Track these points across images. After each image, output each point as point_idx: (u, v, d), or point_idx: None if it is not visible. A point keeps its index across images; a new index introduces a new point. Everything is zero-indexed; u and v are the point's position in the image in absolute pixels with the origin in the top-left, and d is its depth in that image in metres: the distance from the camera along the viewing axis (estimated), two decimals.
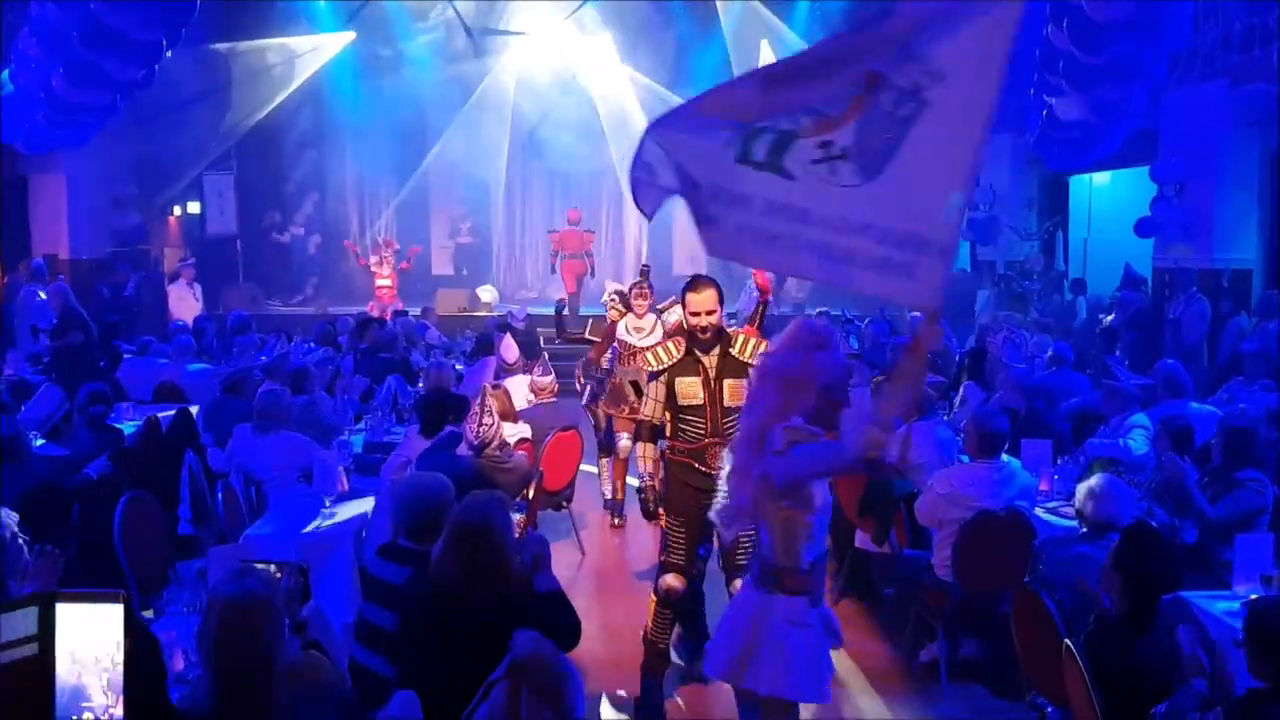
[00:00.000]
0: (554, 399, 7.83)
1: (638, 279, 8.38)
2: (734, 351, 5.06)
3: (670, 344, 5.17)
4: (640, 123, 18.63)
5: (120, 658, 2.45)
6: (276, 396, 6.60)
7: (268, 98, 17.77)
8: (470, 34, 18.20)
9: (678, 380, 5.05)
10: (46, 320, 11.14)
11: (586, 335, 8.81)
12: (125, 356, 10.06)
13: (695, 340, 5.07)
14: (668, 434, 5.18)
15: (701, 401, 5.02)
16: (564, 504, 7.71)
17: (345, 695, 2.41)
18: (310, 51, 17.96)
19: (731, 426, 4.77)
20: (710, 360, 5.04)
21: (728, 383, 5.01)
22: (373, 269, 16.66)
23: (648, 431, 5.30)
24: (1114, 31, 9.71)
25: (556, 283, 18.89)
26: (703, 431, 5.04)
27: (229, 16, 16.88)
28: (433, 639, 3.34)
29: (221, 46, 17.17)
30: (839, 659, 5.80)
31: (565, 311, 9.59)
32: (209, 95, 17.17)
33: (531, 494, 6.38)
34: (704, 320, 5.01)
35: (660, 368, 5.10)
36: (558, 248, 16.97)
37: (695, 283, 5.08)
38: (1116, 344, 10.65)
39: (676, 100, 18.18)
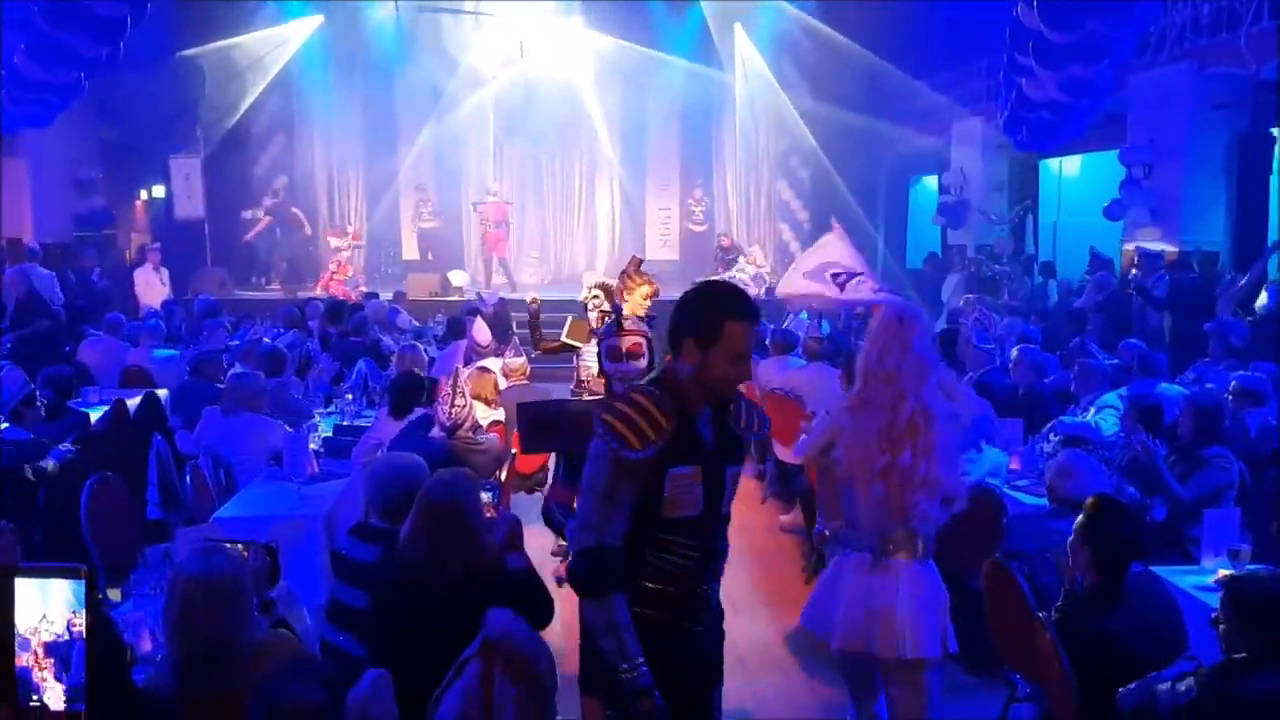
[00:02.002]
0: (525, 381, 7.79)
1: (628, 270, 6.85)
2: (731, 421, 3.03)
3: (654, 408, 2.82)
4: (614, 104, 18.66)
5: (79, 637, 2.41)
6: (246, 379, 6.55)
7: (239, 99, 17.66)
8: (397, 4, 18.06)
9: (671, 475, 2.84)
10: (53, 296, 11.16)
11: (565, 340, 6.91)
12: (89, 337, 9.95)
13: (698, 403, 2.92)
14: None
15: (700, 511, 2.89)
16: (537, 487, 7.68)
17: (315, 670, 2.39)
18: (278, 47, 17.81)
19: (725, 554, 3.04)
20: (708, 438, 2.96)
21: (730, 475, 3.01)
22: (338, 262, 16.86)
23: (609, 567, 2.80)
24: (1084, 10, 9.76)
25: (527, 267, 18.93)
26: (695, 561, 2.92)
27: (196, 21, 16.70)
28: (404, 617, 3.32)
29: (190, 53, 16.97)
30: (811, 636, 5.82)
31: (539, 311, 7.68)
32: (182, 108, 17.00)
33: (504, 476, 6.35)
34: (743, 370, 2.92)
35: (644, 451, 2.78)
36: (486, 219, 17.46)
37: (738, 304, 2.89)
38: (1086, 325, 10.72)
39: (660, 57, 18.19)
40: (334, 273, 16.72)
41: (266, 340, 9.06)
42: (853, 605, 3.74)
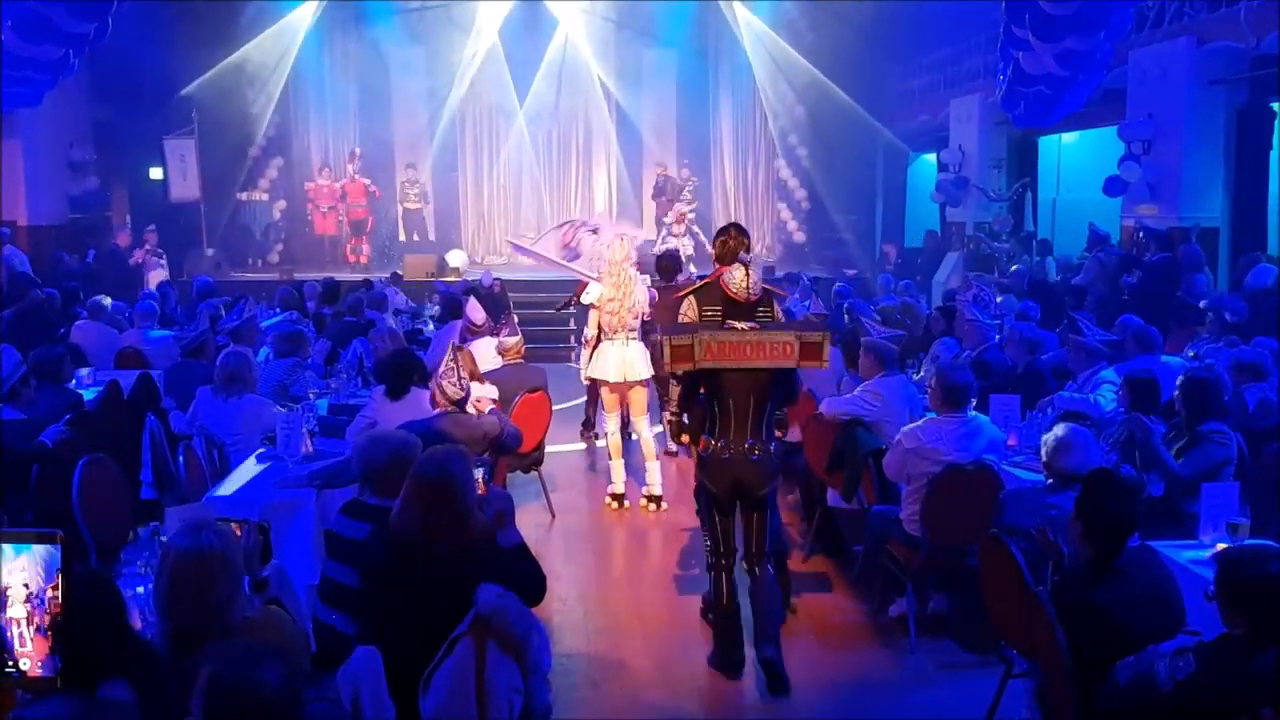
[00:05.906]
0: (521, 360, 7.76)
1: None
2: None
3: None
4: (611, 83, 18.59)
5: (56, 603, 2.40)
6: (239, 358, 6.51)
7: (252, 115, 17.64)
8: None
9: None
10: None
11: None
12: (80, 319, 9.90)
13: None
14: None
15: None
16: (533, 466, 7.66)
17: (283, 652, 2.35)
18: (281, 57, 17.74)
19: None
20: None
21: None
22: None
23: None
24: None
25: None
26: None
27: (194, 47, 16.59)
28: (395, 593, 3.29)
29: (190, 89, 16.85)
30: (808, 614, 5.82)
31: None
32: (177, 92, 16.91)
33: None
34: None
35: None
36: (316, 200, 17.66)
37: None
38: (1085, 302, 10.69)
39: (658, 34, 18.06)
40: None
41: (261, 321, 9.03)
42: None
